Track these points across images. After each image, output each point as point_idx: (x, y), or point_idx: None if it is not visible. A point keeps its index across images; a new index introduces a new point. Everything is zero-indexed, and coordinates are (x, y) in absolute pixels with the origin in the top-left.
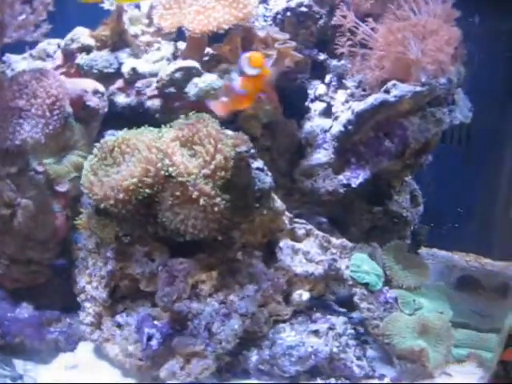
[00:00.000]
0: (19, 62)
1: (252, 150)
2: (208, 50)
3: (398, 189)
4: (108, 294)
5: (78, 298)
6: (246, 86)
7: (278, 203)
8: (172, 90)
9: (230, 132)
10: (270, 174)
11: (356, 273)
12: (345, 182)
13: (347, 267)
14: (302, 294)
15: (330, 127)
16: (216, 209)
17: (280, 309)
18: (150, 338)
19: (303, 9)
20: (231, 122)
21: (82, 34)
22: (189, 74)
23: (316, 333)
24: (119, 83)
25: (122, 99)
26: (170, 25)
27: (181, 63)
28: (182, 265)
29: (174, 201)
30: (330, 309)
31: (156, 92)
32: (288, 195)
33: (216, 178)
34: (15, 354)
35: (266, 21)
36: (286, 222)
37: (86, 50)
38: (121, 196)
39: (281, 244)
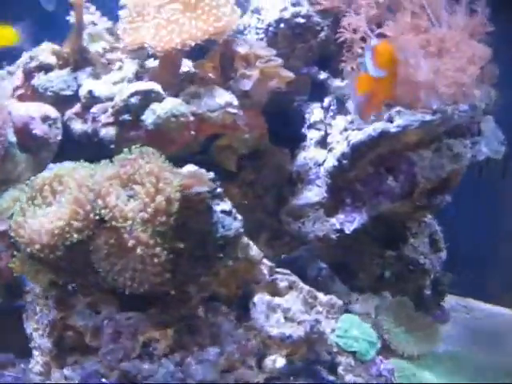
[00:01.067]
0: None
1: (218, 190)
2: (190, 67)
3: (415, 231)
4: (53, 343)
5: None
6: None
7: (254, 251)
8: (127, 117)
9: (190, 169)
10: (239, 217)
11: (342, 338)
12: (337, 226)
13: (333, 330)
14: (275, 360)
15: (324, 160)
16: (156, 260)
17: (250, 375)
18: None
19: (300, 20)
20: (201, 152)
21: (43, 51)
22: (147, 98)
23: None
24: (77, 108)
25: (78, 126)
26: (133, 41)
27: (138, 86)
28: (129, 320)
29: (109, 249)
30: (315, 376)
31: (112, 119)
32: (276, 238)
33: (156, 223)
34: None
35: (258, 34)
36: (265, 271)
37: (45, 68)
38: (45, 240)
39: (255, 299)
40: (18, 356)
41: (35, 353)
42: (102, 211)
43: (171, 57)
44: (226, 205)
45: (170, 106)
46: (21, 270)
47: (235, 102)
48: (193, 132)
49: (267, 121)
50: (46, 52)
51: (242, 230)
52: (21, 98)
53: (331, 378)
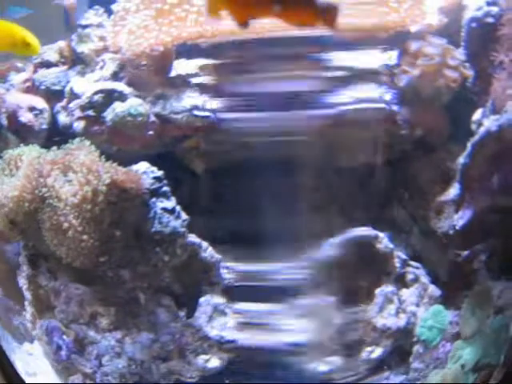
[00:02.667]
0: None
1: (164, 188)
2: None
3: None
4: (32, 297)
5: None
6: None
7: (207, 253)
8: (90, 113)
9: (140, 167)
10: (184, 217)
11: None
12: None
13: None
14: (208, 360)
15: None
16: (83, 245)
17: (184, 369)
18: (59, 347)
19: None
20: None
21: (48, 49)
22: (109, 97)
23: None
24: (64, 102)
25: (63, 118)
26: (113, 43)
27: (103, 85)
28: (78, 290)
29: (50, 223)
30: None
31: (81, 114)
32: None
33: (83, 209)
34: None
35: None
36: (225, 276)
37: (46, 65)
38: (10, 205)
39: (201, 299)
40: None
41: (25, 303)
42: (43, 189)
43: (161, 57)
44: (170, 203)
45: (128, 105)
46: (2, 226)
47: (206, 106)
48: (151, 132)
49: None
50: (50, 50)
51: (182, 230)
52: (27, 90)
53: None
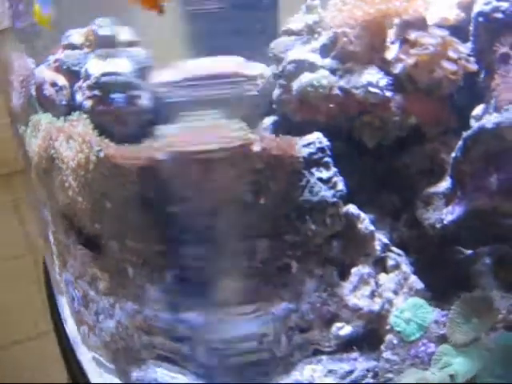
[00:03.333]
0: None
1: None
2: None
3: None
4: (57, 251)
5: None
6: None
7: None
8: (97, 93)
9: None
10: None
11: None
12: None
13: None
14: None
15: None
16: (79, 206)
17: (163, 344)
18: (73, 299)
19: None
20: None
21: (76, 32)
22: (115, 79)
23: None
24: (81, 82)
25: (79, 97)
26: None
27: (110, 67)
28: (81, 251)
29: (57, 182)
30: None
31: (89, 94)
32: None
33: (78, 174)
34: None
35: None
36: None
37: (71, 47)
38: (35, 159)
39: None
40: None
41: (54, 257)
42: (52, 150)
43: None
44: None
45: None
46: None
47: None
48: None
49: None
50: (76, 33)
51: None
52: (56, 69)
53: None
